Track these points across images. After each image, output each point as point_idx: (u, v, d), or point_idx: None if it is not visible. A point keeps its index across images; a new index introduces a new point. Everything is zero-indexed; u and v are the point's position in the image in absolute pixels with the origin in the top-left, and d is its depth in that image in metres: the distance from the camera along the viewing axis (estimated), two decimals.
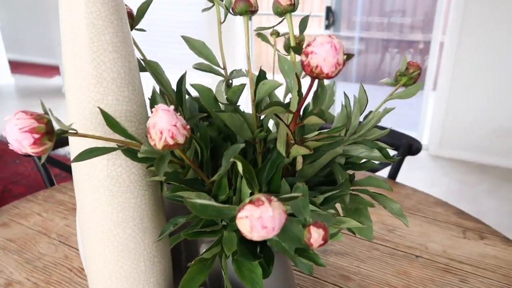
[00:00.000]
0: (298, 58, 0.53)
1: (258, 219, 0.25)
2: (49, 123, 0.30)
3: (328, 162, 0.46)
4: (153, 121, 0.30)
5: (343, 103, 0.51)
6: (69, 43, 0.36)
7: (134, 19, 0.43)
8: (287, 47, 0.57)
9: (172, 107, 0.31)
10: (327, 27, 2.73)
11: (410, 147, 0.99)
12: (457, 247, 0.74)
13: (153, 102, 0.37)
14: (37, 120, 0.29)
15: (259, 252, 0.42)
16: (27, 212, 0.84)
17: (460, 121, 2.52)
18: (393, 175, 1.02)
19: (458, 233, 0.78)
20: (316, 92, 0.31)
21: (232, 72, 0.54)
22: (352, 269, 0.68)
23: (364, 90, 0.52)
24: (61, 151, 2.68)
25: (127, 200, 0.40)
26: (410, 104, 3.15)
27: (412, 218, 0.83)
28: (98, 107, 0.34)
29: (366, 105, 0.52)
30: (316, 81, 0.30)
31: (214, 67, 0.51)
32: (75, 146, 0.39)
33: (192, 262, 0.35)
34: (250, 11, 0.40)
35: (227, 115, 0.39)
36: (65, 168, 1.02)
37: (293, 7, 0.45)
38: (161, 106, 0.30)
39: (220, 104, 0.48)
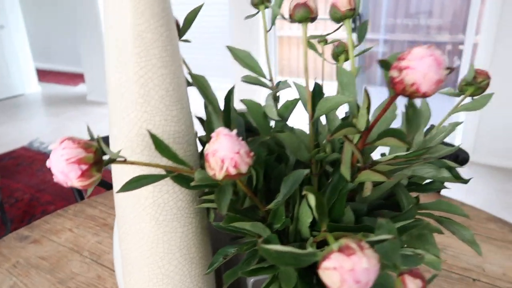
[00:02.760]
0: (340, 65, 0.48)
1: (350, 271, 0.21)
2: (97, 151, 0.26)
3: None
4: (213, 148, 0.26)
5: (403, 115, 0.47)
6: (113, 58, 0.33)
7: (180, 30, 0.39)
8: (336, 55, 0.53)
9: (235, 131, 0.27)
10: (353, 30, 2.66)
11: (457, 157, 0.93)
12: None
13: (210, 124, 0.33)
14: (85, 149, 0.26)
15: (316, 283, 0.37)
16: (58, 228, 0.82)
17: (495, 125, 2.41)
18: None
19: None
20: (407, 115, 0.26)
21: (278, 84, 0.50)
22: None
23: (426, 102, 0.47)
24: None
25: (173, 230, 0.37)
26: (441, 107, 3.04)
27: None
28: (147, 130, 0.31)
29: (429, 118, 0.47)
30: (403, 100, 0.25)
31: (261, 79, 0.47)
32: (118, 172, 0.35)
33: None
34: (310, 18, 0.36)
35: (287, 135, 0.34)
36: None
37: (353, 12, 0.41)
38: (222, 131, 0.26)
39: (270, 120, 0.44)
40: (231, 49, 0.47)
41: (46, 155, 2.84)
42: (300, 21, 0.36)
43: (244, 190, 0.31)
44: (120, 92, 0.33)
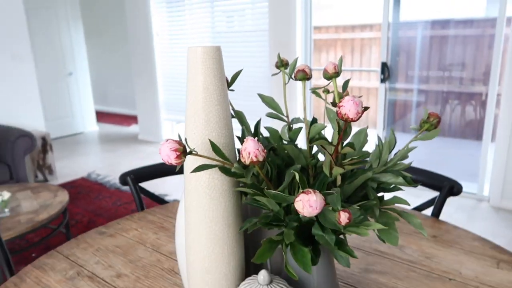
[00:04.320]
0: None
1: (307, 201, 0.43)
2: (184, 147, 0.51)
3: (363, 184, 0.63)
4: (245, 146, 0.50)
5: (377, 143, 0.68)
6: (191, 98, 0.58)
7: (229, 83, 0.64)
8: (335, 102, 0.76)
9: (256, 138, 0.50)
10: (383, 80, 2.88)
11: (452, 188, 1.10)
12: (489, 275, 0.83)
13: (243, 135, 0.56)
14: (179, 144, 0.50)
15: (311, 245, 0.58)
16: (127, 227, 1.07)
17: None
18: (436, 213, 1.12)
19: (492, 264, 0.87)
20: (345, 129, 0.49)
21: (293, 119, 0.73)
22: (390, 284, 0.80)
23: (394, 134, 0.68)
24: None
25: (219, 203, 0.59)
26: (470, 155, 3.13)
27: (450, 249, 0.93)
28: (208, 139, 0.55)
29: (395, 144, 0.68)
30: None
31: (280, 115, 0.71)
32: (188, 164, 0.59)
33: (265, 239, 0.52)
34: (306, 78, 0.60)
35: (289, 146, 0.57)
36: (148, 195, 1.25)
37: (337, 73, 0.65)
38: (249, 138, 0.50)
39: (284, 141, 0.67)
40: (260, 96, 0.71)
41: (102, 186, 3.19)
42: (300, 80, 0.60)
43: (262, 176, 0.54)
44: (193, 118, 0.58)
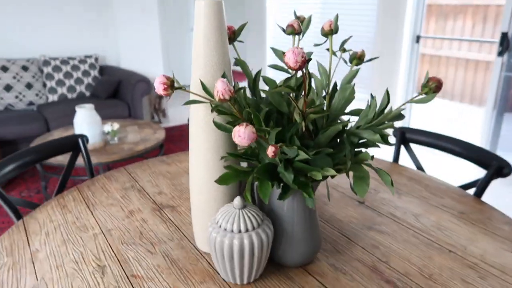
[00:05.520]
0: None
1: (237, 131, 0.51)
2: (172, 82, 0.63)
3: (338, 137, 0.67)
4: (216, 86, 0.60)
5: (369, 102, 0.71)
6: (195, 44, 0.69)
7: (235, 34, 0.73)
8: (351, 60, 0.79)
9: (225, 79, 0.59)
10: (500, 53, 2.55)
11: (501, 169, 1.02)
12: (497, 256, 0.79)
13: (249, 85, 0.66)
14: (167, 79, 0.62)
15: (281, 184, 0.66)
16: (182, 159, 1.26)
17: None
18: (479, 193, 1.06)
19: (509, 248, 0.82)
20: (290, 78, 0.55)
21: (296, 73, 0.79)
22: (384, 243, 0.83)
23: (388, 95, 0.70)
24: None
25: (211, 136, 0.71)
26: None
27: (470, 226, 0.90)
28: (200, 80, 0.66)
29: (386, 105, 0.70)
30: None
31: (283, 67, 0.77)
32: (192, 97, 0.72)
33: (228, 165, 0.63)
34: (296, 33, 0.66)
35: (270, 93, 0.65)
36: None
37: (331, 31, 0.68)
38: (220, 79, 0.60)
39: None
40: (273, 49, 0.78)
41: None
42: (289, 34, 0.66)
43: (233, 110, 0.63)
44: (195, 61, 0.69)
